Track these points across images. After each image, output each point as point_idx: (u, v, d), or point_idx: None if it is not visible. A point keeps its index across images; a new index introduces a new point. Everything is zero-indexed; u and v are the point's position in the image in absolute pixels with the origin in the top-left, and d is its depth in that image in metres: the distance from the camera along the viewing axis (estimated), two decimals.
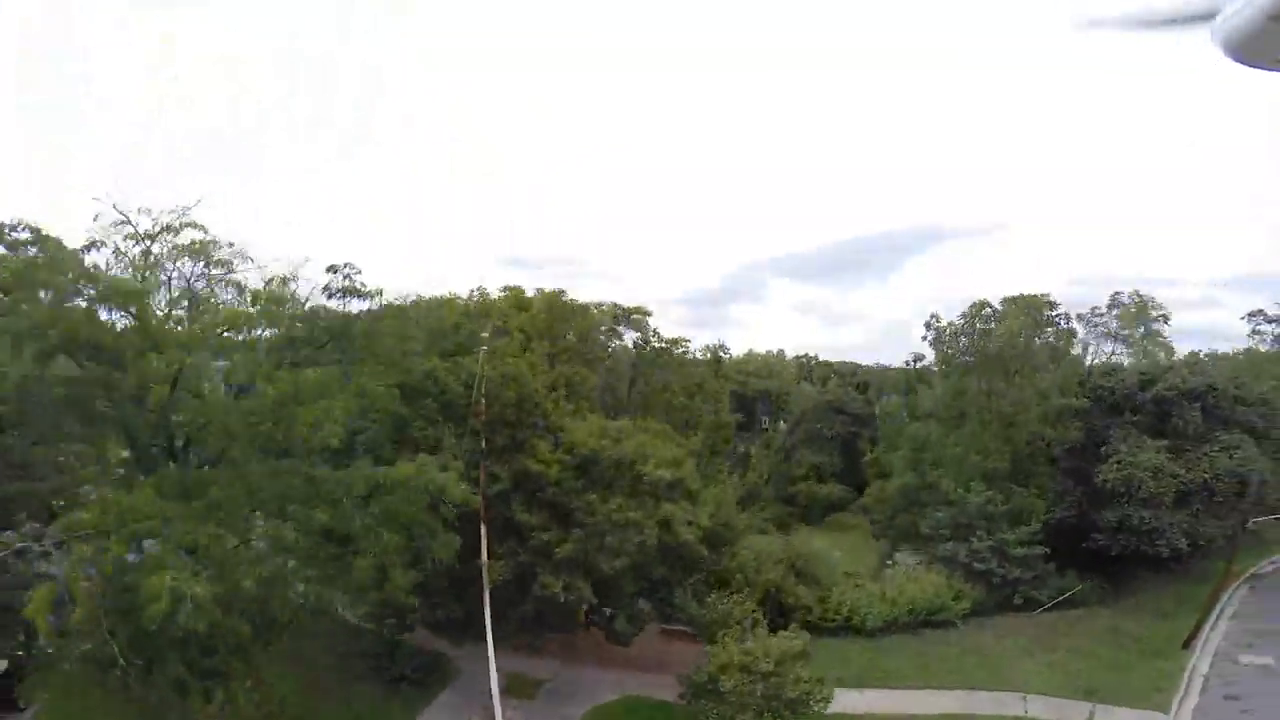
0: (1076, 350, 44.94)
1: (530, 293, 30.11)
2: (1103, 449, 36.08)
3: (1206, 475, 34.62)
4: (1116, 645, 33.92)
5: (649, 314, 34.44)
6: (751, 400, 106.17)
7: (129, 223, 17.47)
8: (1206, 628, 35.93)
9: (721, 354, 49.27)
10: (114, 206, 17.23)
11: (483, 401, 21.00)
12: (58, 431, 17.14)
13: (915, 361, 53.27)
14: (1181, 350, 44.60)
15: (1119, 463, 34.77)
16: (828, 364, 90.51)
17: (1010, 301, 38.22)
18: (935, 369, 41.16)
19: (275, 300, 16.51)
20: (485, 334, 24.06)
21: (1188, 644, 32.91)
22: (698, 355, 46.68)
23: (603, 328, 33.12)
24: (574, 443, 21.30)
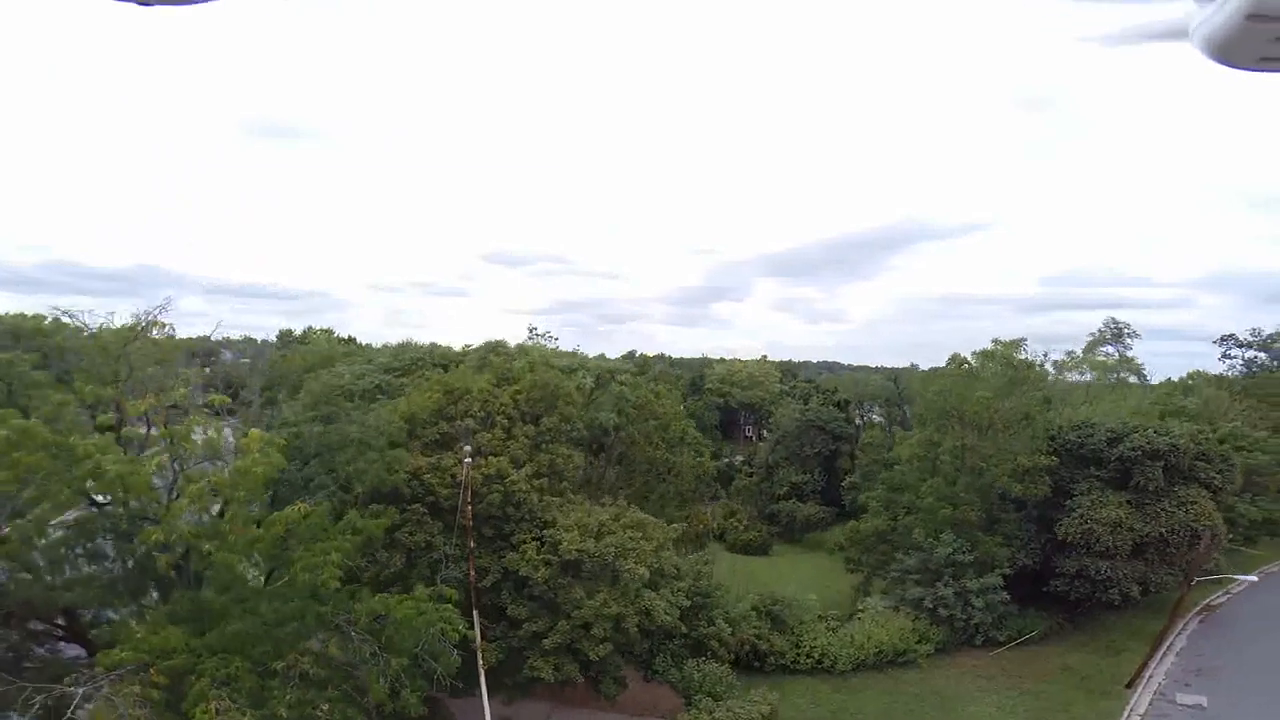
0: (1051, 388, 47.09)
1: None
2: (1067, 502, 38.22)
3: (1163, 529, 36.89)
4: (1066, 683, 36.35)
5: (636, 372, 35.61)
6: (735, 411, 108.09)
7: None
8: (1152, 665, 38.64)
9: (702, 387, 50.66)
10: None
11: (469, 508, 22.30)
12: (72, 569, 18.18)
13: (895, 381, 54.59)
14: (1156, 364, 46.98)
15: (1080, 517, 36.93)
16: (810, 381, 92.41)
17: (987, 356, 39.84)
18: (912, 420, 42.82)
19: (265, 448, 17.45)
20: (469, 421, 25.28)
21: (1131, 683, 35.34)
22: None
23: (588, 388, 34.27)
24: (559, 542, 22.65)
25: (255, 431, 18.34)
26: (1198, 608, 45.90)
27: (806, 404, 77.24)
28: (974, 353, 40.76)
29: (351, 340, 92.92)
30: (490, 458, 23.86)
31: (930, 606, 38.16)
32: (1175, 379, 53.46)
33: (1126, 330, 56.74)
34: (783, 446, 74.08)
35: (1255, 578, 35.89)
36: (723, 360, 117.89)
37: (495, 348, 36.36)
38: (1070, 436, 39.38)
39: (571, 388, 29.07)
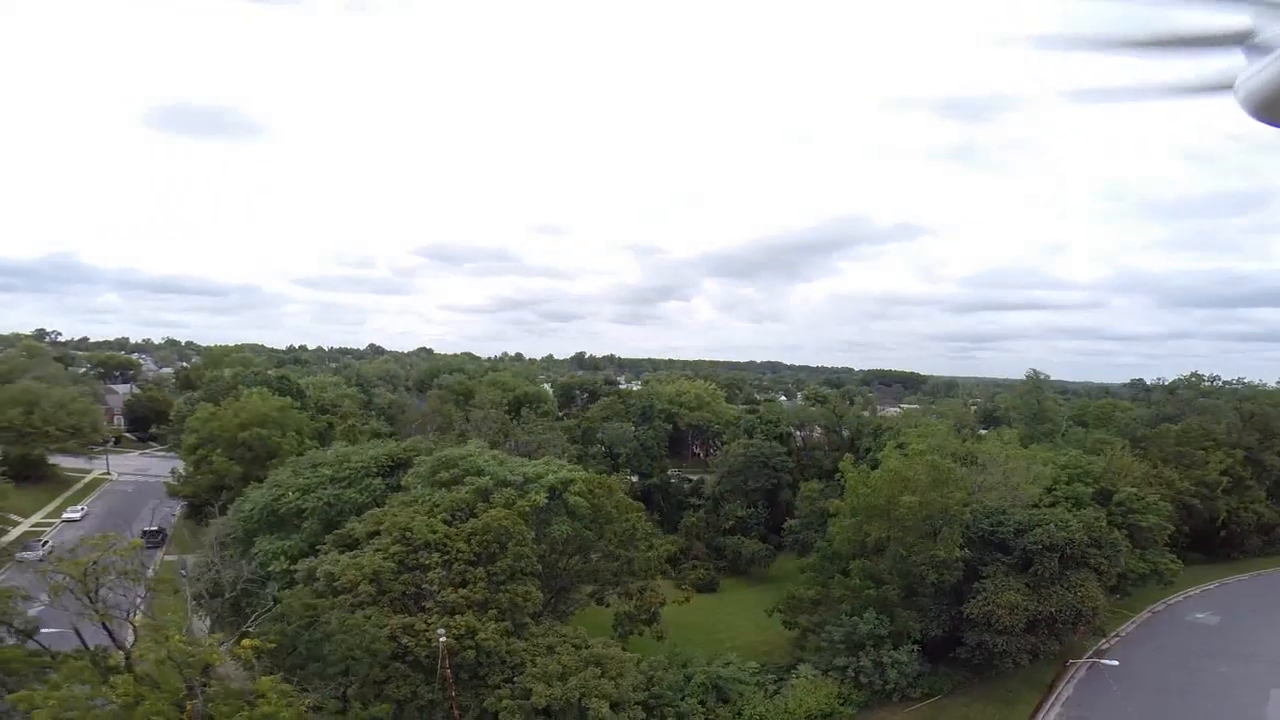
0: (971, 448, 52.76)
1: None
2: (975, 584, 44.07)
3: (1053, 609, 43.14)
4: None
5: (584, 494, 38.36)
6: (684, 431, 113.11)
7: None
8: (1041, 714, 45.63)
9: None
10: None
11: (449, 672, 25.97)
12: None
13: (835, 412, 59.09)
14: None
15: (984, 599, 42.90)
16: (754, 410, 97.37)
17: (923, 465, 44.93)
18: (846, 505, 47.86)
19: None
20: (434, 575, 28.58)
21: None
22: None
23: (542, 503, 37.06)
24: (530, 691, 26.52)
25: (249, 643, 21.39)
26: (1089, 652, 53.09)
27: (750, 437, 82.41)
28: (902, 446, 45.85)
29: (284, 376, 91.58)
30: (458, 616, 27.43)
31: (853, 674, 43.80)
32: (1082, 453, 59.62)
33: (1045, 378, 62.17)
34: (728, 480, 79.42)
35: (1116, 661, 42.12)
36: (671, 380, 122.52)
37: (444, 463, 38.42)
38: (984, 525, 45.14)
39: (523, 527, 32.25)
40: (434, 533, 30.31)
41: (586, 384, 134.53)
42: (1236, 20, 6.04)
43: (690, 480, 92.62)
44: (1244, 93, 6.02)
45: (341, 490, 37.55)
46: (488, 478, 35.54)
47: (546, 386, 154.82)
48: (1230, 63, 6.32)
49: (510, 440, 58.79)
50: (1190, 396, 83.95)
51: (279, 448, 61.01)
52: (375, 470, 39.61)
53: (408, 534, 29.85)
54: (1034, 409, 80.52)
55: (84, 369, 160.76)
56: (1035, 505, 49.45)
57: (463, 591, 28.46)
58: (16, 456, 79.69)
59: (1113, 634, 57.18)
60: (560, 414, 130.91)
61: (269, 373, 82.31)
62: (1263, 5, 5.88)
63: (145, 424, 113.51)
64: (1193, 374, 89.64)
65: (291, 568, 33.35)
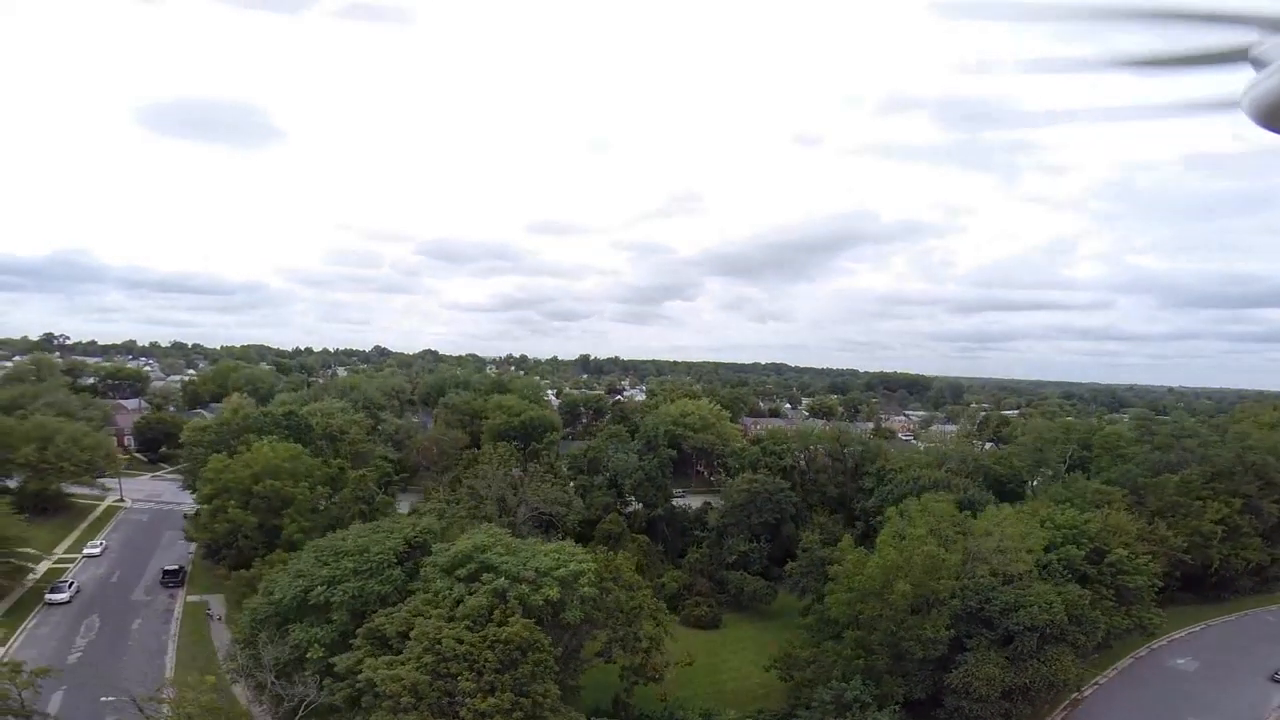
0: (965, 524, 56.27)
1: None
2: (958, 656, 47.88)
3: (1028, 680, 46.89)
4: None
5: (594, 582, 41.67)
6: (691, 454, 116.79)
7: None
8: None
9: None
10: None
11: None
12: None
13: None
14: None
15: (965, 672, 46.83)
16: (759, 442, 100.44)
17: (919, 555, 48.48)
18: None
19: None
20: (463, 684, 32.13)
21: None
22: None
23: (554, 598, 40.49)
24: None
25: None
26: (1063, 705, 56.98)
27: (755, 471, 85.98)
28: (901, 534, 49.79)
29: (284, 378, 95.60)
30: None
31: None
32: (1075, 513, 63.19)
33: None
34: (732, 514, 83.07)
35: None
36: (675, 392, 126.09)
37: (460, 560, 41.59)
38: (972, 602, 48.91)
39: (542, 636, 35.89)
40: (460, 643, 33.87)
41: (591, 401, 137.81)
42: (1241, 37, 6.35)
43: (694, 507, 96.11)
44: (1249, 102, 6.34)
45: (365, 581, 41.14)
46: (503, 579, 38.99)
47: (553, 398, 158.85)
48: (1236, 78, 6.60)
49: (522, 502, 62.27)
50: (1193, 445, 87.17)
51: (293, 497, 64.61)
52: (395, 559, 43.15)
53: (438, 645, 33.44)
54: (1037, 458, 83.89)
55: (91, 380, 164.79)
56: (1027, 572, 52.83)
57: (491, 700, 32.06)
58: (33, 490, 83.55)
59: (1091, 682, 60.98)
60: (565, 432, 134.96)
61: (278, 411, 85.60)
62: (1265, 21, 6.29)
63: (155, 445, 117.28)
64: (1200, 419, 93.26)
65: (329, 660, 37.13)
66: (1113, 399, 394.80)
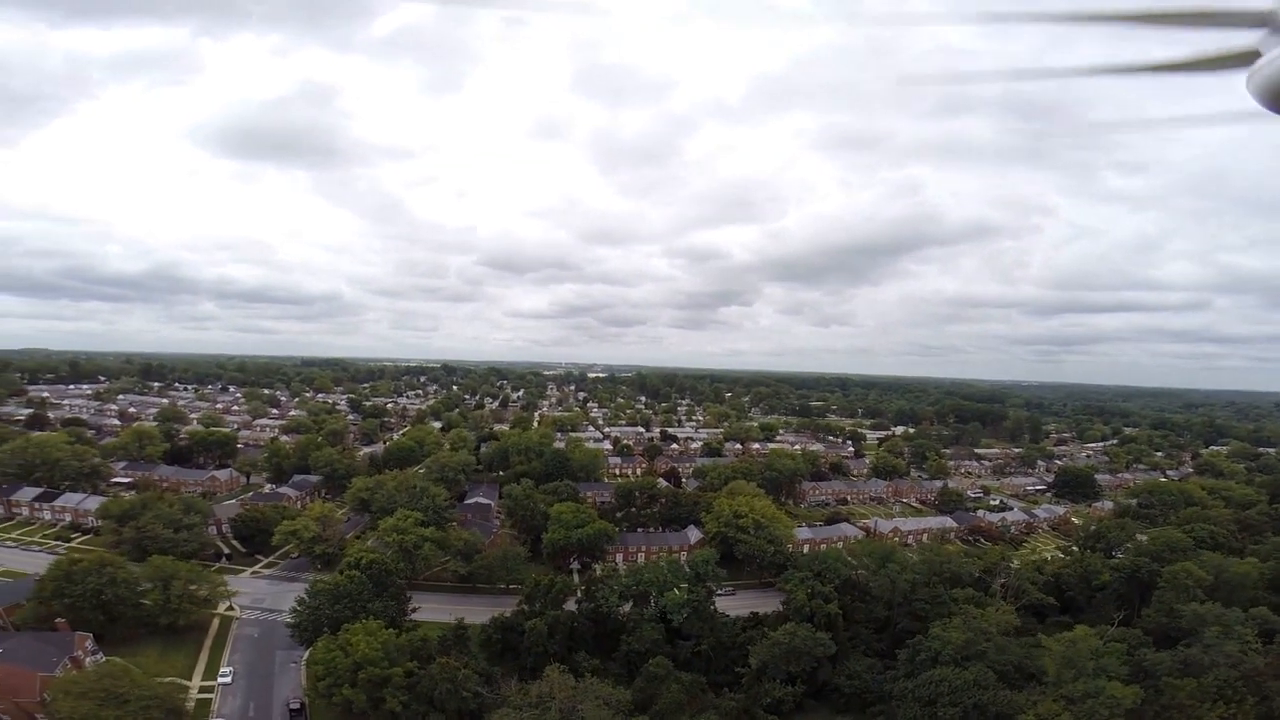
0: None
1: None
2: None
3: None
4: None
5: None
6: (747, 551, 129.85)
7: None
8: None
9: None
10: None
11: None
12: None
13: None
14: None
15: None
16: (815, 573, 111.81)
17: None
18: None
19: None
20: None
21: None
22: None
23: None
24: None
25: None
26: None
27: (795, 632, 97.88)
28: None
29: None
30: None
31: None
32: None
33: None
34: (772, 664, 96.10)
35: None
36: (731, 496, 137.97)
37: None
38: None
39: None
40: None
41: (645, 487, 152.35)
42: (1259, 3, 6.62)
43: (741, 616, 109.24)
44: (1256, 82, 6.60)
45: None
46: None
47: (608, 446, 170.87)
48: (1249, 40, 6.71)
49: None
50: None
51: (389, 678, 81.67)
52: None
53: None
54: None
55: (185, 442, 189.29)
56: None
57: None
58: (165, 626, 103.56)
59: None
60: (618, 514, 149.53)
61: (363, 561, 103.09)
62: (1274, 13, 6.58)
63: (251, 540, 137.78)
64: None
65: None
66: (1210, 428, 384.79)
